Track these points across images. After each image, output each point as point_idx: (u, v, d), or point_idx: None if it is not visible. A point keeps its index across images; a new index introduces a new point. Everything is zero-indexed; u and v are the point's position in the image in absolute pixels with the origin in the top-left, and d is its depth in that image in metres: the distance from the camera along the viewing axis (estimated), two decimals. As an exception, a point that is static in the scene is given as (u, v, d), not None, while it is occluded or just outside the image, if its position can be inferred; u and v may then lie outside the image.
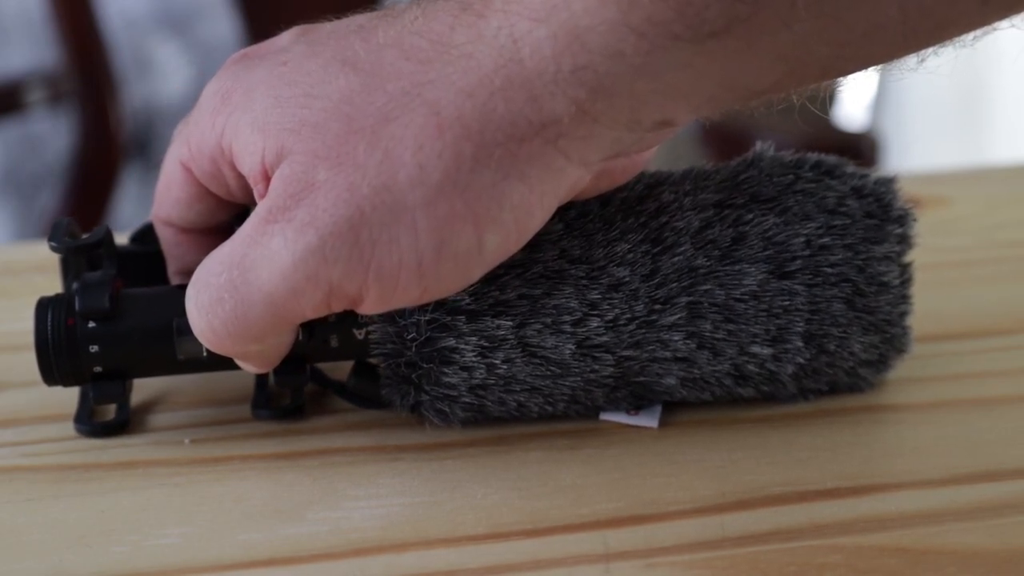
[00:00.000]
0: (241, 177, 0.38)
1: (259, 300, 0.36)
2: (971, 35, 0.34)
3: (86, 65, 1.25)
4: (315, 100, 0.35)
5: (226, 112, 0.37)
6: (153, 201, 0.42)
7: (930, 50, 0.35)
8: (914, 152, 1.91)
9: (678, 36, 0.32)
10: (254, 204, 0.39)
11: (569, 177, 0.35)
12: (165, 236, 0.43)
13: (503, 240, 0.35)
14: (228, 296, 0.36)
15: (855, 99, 1.88)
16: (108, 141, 1.27)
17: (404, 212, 0.34)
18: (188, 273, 0.43)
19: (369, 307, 0.36)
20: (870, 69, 0.35)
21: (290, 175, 0.35)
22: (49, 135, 1.50)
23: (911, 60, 0.35)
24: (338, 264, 0.35)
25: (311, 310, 0.36)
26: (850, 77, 0.35)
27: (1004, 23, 0.34)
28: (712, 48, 0.32)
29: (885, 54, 0.34)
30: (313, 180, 0.34)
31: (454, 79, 0.34)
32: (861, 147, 1.08)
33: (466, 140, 0.34)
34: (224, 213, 0.42)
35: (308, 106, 0.35)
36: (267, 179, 0.36)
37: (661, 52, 0.32)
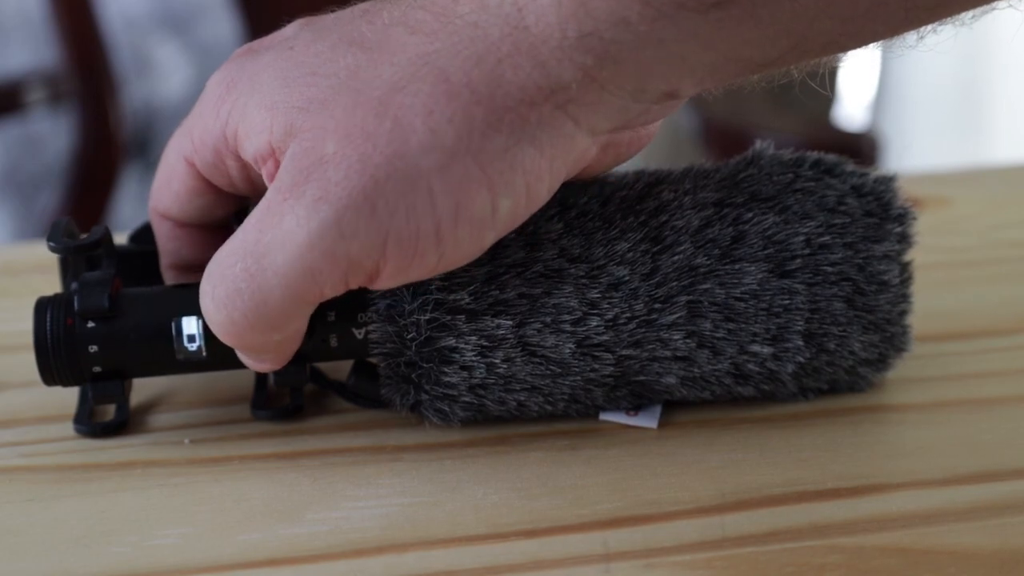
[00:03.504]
0: (244, 167, 0.38)
1: (277, 285, 0.35)
2: (970, 13, 0.34)
3: (86, 65, 1.25)
4: (322, 78, 0.35)
5: (231, 99, 0.37)
6: (150, 194, 0.42)
7: (930, 27, 0.35)
8: (914, 152, 1.91)
9: (683, 5, 0.32)
10: (257, 196, 0.39)
11: (578, 145, 0.35)
12: (161, 230, 0.42)
13: (515, 205, 0.35)
14: (245, 286, 0.35)
15: (855, 99, 1.88)
16: (108, 141, 1.27)
17: (420, 179, 0.34)
18: (181, 268, 0.42)
19: (385, 280, 0.36)
20: (871, 45, 0.35)
21: (299, 152, 0.34)
22: (49, 135, 1.50)
23: (911, 37, 0.35)
24: (356, 237, 0.34)
25: (329, 289, 0.35)
26: (851, 53, 0.35)
27: (1002, 3, 0.34)
28: (717, 18, 0.32)
29: (887, 30, 0.34)
30: (322, 154, 0.34)
31: (460, 48, 0.34)
32: (861, 147, 1.08)
33: (476, 105, 0.34)
34: (223, 209, 0.41)
35: (315, 84, 0.35)
36: (275, 159, 0.36)
37: (666, 21, 0.33)
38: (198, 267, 0.42)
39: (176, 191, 0.41)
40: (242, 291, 0.35)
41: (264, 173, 0.36)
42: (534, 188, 0.35)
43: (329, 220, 0.34)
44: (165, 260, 0.43)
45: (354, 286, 0.36)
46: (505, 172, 0.34)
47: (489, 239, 0.36)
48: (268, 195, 0.35)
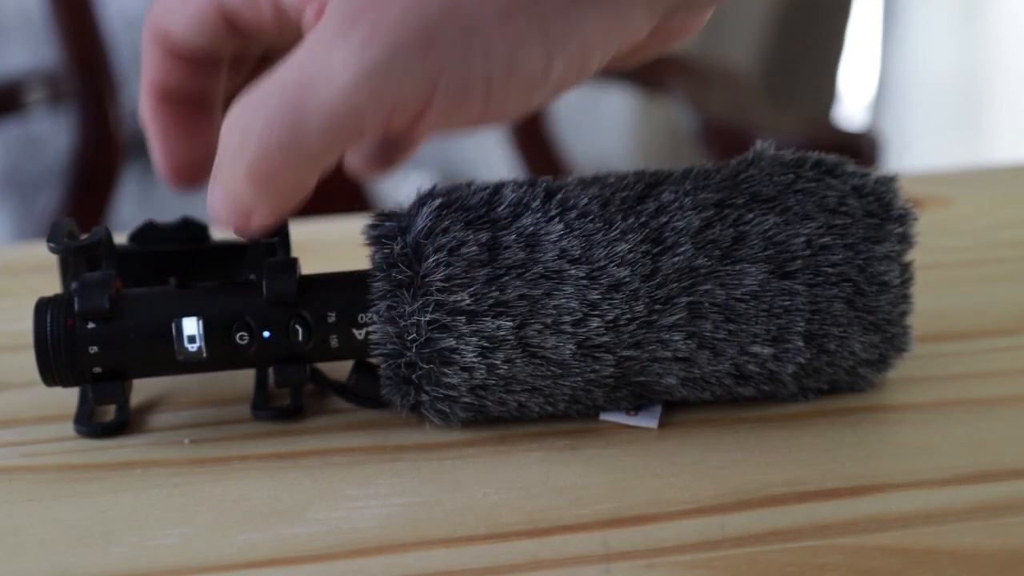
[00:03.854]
0: (279, 11, 0.37)
1: (319, 120, 0.34)
2: None
3: (86, 65, 1.25)
4: None
5: None
6: (150, 9, 0.39)
7: None
8: (914, 152, 1.91)
9: None
10: (282, 41, 0.38)
11: (632, 21, 0.35)
12: (151, 52, 0.40)
13: (567, 69, 0.35)
14: (284, 117, 0.34)
15: (855, 99, 1.88)
16: (108, 141, 1.27)
17: (476, 29, 0.33)
18: (159, 93, 0.40)
19: (428, 125, 0.34)
20: None
21: None
22: (49, 135, 1.50)
23: None
24: (407, 78, 0.33)
25: (371, 128, 0.34)
26: None
27: None
28: None
29: None
30: None
31: None
32: (861, 147, 1.08)
33: None
34: (228, 50, 0.40)
35: None
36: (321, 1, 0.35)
37: None
38: (177, 97, 0.40)
39: (191, 13, 0.38)
40: (281, 123, 0.34)
41: (308, 13, 0.35)
42: (588, 56, 0.35)
43: (380, 59, 0.33)
44: (146, 80, 0.40)
45: (397, 126, 0.35)
46: (562, 34, 0.34)
47: (536, 100, 0.35)
48: (314, 33, 0.34)
